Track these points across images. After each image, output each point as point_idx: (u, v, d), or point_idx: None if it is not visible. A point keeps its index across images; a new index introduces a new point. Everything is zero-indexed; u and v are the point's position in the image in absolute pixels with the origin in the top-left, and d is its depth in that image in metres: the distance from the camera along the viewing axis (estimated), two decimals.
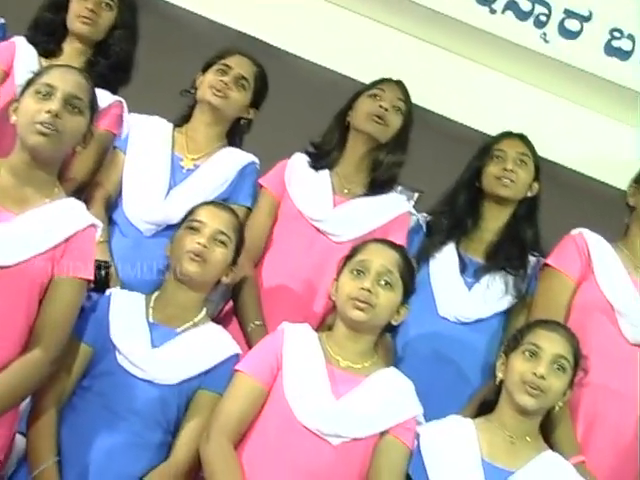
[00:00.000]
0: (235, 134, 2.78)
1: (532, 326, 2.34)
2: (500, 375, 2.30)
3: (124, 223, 2.59)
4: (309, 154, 2.76)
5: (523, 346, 2.27)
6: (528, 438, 2.25)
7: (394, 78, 2.76)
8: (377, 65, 2.98)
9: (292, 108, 3.39)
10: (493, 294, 2.63)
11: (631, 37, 3.07)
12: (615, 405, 2.43)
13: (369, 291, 2.22)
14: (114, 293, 2.32)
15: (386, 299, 2.25)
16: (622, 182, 2.75)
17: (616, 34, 3.08)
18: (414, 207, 2.83)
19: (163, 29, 3.18)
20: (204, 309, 2.36)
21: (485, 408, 2.33)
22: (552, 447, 2.33)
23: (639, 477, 2.39)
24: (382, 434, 2.21)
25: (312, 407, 2.18)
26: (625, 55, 3.08)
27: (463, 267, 2.66)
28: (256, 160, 2.76)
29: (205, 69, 2.71)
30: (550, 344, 2.26)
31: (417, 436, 2.25)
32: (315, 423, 2.16)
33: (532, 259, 2.71)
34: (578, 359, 2.29)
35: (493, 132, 2.84)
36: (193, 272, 2.29)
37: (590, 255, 2.56)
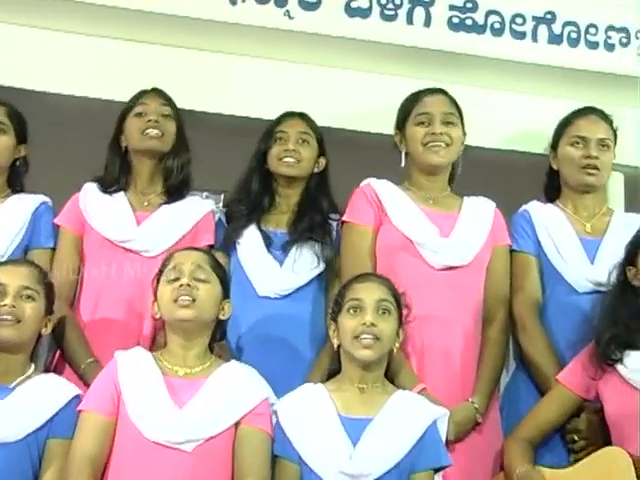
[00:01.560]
0: (16, 178, 2.77)
1: (347, 285, 2.40)
2: (335, 341, 2.36)
3: None
4: (99, 181, 2.76)
5: (345, 305, 2.34)
6: (377, 385, 2.33)
7: (149, 88, 2.78)
8: (127, 80, 3.00)
9: (63, 142, 3.39)
10: (304, 263, 2.68)
11: None
12: (437, 329, 2.54)
13: (188, 285, 2.27)
14: None
15: (207, 294, 2.31)
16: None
17: None
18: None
19: None
20: (32, 365, 2.35)
21: (333, 375, 2.39)
22: (398, 386, 2.42)
23: (473, 392, 2.51)
24: (237, 426, 2.25)
25: (157, 421, 2.21)
26: (365, 12, 3.24)
27: (269, 243, 2.71)
28: (47, 199, 2.75)
29: None
30: (368, 293, 2.34)
31: (275, 414, 2.30)
32: (163, 436, 2.19)
33: (334, 224, 2.77)
34: (398, 298, 2.38)
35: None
36: (8, 336, 2.28)
37: (381, 201, 2.66)
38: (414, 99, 2.77)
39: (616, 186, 3.30)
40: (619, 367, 2.29)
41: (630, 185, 3.32)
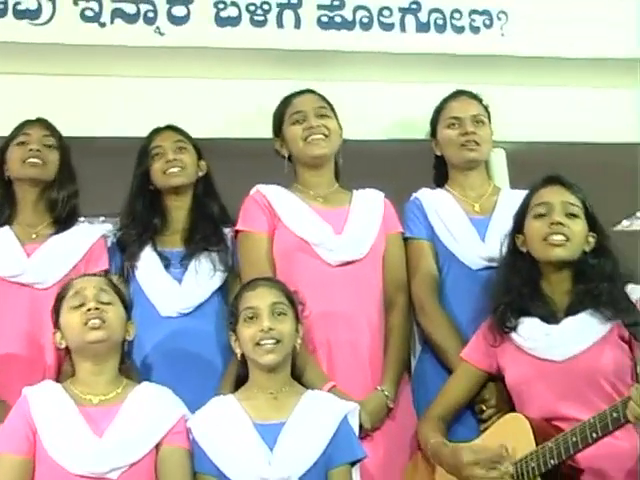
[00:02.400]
0: None
1: (239, 294, 2.43)
2: (238, 350, 2.39)
3: None
4: None
5: (241, 315, 2.37)
6: (285, 388, 2.36)
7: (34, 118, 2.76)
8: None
9: None
10: (203, 275, 2.70)
11: (235, 4, 3.26)
12: (342, 324, 2.58)
13: (96, 309, 2.28)
14: None
15: (115, 315, 2.32)
16: None
17: (221, 5, 3.25)
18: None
19: None
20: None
21: (242, 383, 2.41)
22: (307, 386, 2.45)
23: (382, 380, 2.56)
24: (158, 447, 2.25)
25: (78, 454, 2.19)
26: (235, 20, 3.26)
27: (167, 263, 2.72)
28: None
29: None
30: (261, 299, 2.37)
31: (189, 430, 2.30)
32: (87, 467, 2.18)
33: (228, 233, 2.79)
34: (291, 297, 2.41)
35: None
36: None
37: (272, 205, 2.70)
38: (285, 103, 2.83)
39: (499, 162, 3.40)
40: (513, 336, 2.36)
41: (513, 160, 3.43)
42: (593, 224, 2.41)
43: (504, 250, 2.48)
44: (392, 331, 2.65)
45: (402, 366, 2.65)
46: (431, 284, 2.73)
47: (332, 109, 2.82)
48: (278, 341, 2.33)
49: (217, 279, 2.71)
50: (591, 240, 2.39)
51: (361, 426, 2.43)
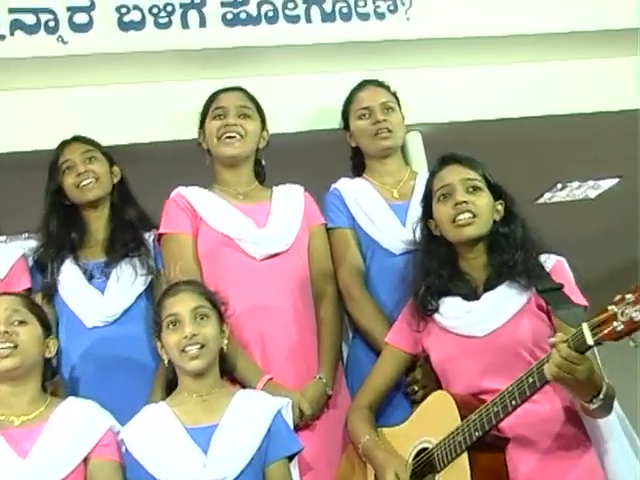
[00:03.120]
0: None
1: (160, 301, 2.51)
2: (165, 357, 2.48)
3: None
4: None
5: (164, 323, 2.45)
6: (215, 390, 2.45)
7: None
8: None
9: None
10: (125, 282, 2.80)
11: (138, 7, 3.36)
12: (272, 317, 2.70)
13: (6, 332, 2.33)
14: None
15: (28, 336, 2.39)
16: None
17: (123, 10, 3.35)
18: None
19: None
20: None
21: (173, 389, 2.51)
22: (242, 382, 2.60)
23: (318, 368, 2.69)
24: (86, 462, 2.33)
25: (2, 477, 2.24)
26: (138, 24, 3.36)
27: (90, 276, 2.81)
28: None
29: None
30: (181, 305, 2.44)
31: (122, 442, 2.39)
32: None
33: (149, 234, 2.91)
34: (213, 298, 2.50)
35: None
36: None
37: (193, 206, 2.81)
38: (211, 99, 2.95)
39: (416, 145, 3.56)
40: (436, 316, 2.46)
41: (429, 142, 3.57)
42: (498, 192, 2.49)
43: (418, 235, 2.58)
44: (324, 321, 2.78)
45: (337, 355, 2.78)
46: (357, 272, 2.86)
47: (258, 110, 2.94)
48: (203, 346, 2.40)
49: (140, 283, 2.79)
50: (500, 208, 2.48)
51: (302, 416, 2.56)
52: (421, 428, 2.41)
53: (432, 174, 2.55)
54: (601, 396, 2.14)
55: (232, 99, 2.91)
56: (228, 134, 2.85)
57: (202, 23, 3.40)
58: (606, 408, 2.22)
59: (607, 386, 2.17)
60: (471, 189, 2.45)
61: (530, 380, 2.15)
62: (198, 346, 2.40)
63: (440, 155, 2.57)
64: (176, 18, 3.38)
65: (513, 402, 2.18)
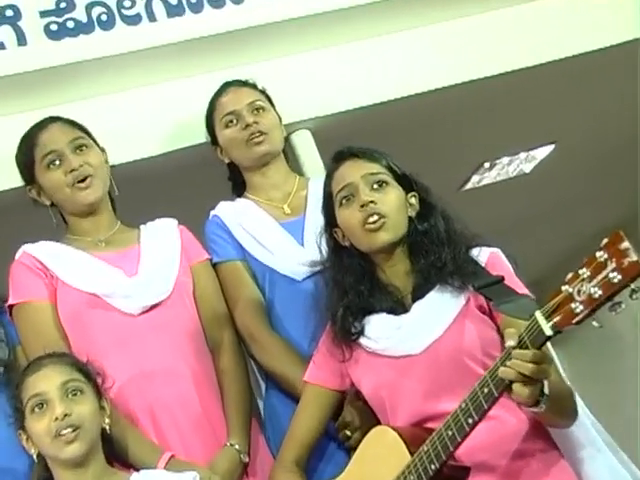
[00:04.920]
0: None
1: (20, 382, 2.46)
2: (33, 451, 2.44)
3: None
4: None
5: (27, 407, 2.40)
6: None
7: None
8: None
9: None
10: None
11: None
12: (161, 380, 2.63)
13: None
14: None
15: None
16: None
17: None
18: None
19: None
20: None
21: None
22: (137, 466, 2.52)
23: (228, 433, 2.64)
24: None
25: None
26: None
27: None
28: None
29: None
30: (46, 382, 2.41)
31: None
32: None
33: None
34: (86, 370, 2.47)
35: None
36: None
37: (45, 265, 2.75)
38: (29, 143, 2.86)
39: (306, 145, 3.54)
40: (362, 340, 2.43)
41: (322, 139, 3.55)
42: (408, 183, 2.49)
43: (324, 250, 2.55)
44: (225, 374, 2.74)
45: (248, 412, 2.73)
46: (256, 308, 2.84)
47: (90, 136, 2.89)
48: (78, 427, 2.37)
49: None
50: (413, 202, 2.48)
51: None
52: (364, 476, 2.38)
53: (329, 175, 2.55)
54: (546, 391, 2.10)
55: (57, 135, 2.84)
56: (78, 178, 2.79)
57: (21, 40, 3.33)
58: (562, 411, 2.23)
59: (554, 382, 2.16)
60: (376, 185, 2.46)
61: (485, 390, 2.13)
62: (72, 428, 2.36)
63: (334, 152, 2.56)
64: None
65: (469, 420, 2.15)
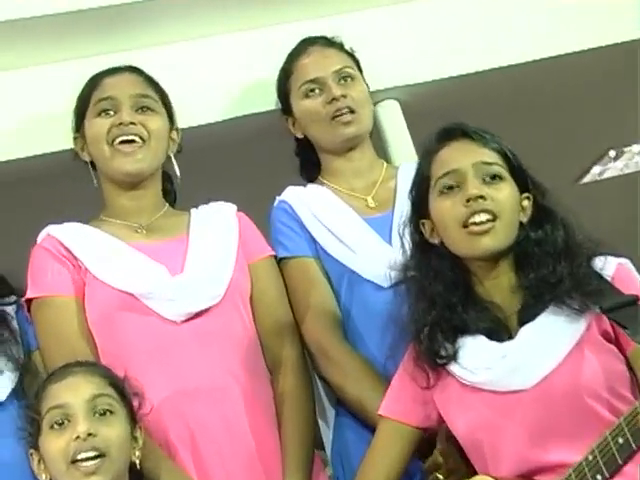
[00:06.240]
0: None
1: (41, 390, 2.44)
2: (44, 476, 2.41)
3: None
4: None
5: (45, 420, 2.38)
6: None
7: None
8: None
9: None
10: None
11: None
12: (205, 401, 2.58)
13: None
14: None
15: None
16: None
17: None
18: None
19: None
20: None
21: None
22: None
23: (284, 472, 2.58)
24: None
25: None
26: None
27: None
28: None
29: None
30: (73, 393, 2.38)
31: None
32: None
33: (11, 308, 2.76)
34: (120, 386, 2.44)
35: None
36: None
37: (72, 252, 2.70)
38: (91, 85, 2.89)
39: (393, 121, 3.45)
40: (453, 367, 2.37)
41: (412, 112, 3.45)
42: (523, 181, 2.43)
43: (408, 245, 2.49)
44: (285, 398, 2.69)
45: (310, 446, 2.69)
46: (330, 318, 2.79)
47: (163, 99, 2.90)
48: (102, 455, 2.33)
49: (7, 381, 2.63)
50: (526, 204, 2.43)
51: None
52: None
53: (428, 154, 2.48)
54: None
55: (122, 85, 2.86)
56: (123, 137, 2.78)
57: None
58: None
59: None
60: (489, 178, 2.40)
61: (620, 441, 2.05)
62: (95, 452, 2.33)
63: (440, 128, 2.47)
64: None
65: (598, 477, 2.08)
